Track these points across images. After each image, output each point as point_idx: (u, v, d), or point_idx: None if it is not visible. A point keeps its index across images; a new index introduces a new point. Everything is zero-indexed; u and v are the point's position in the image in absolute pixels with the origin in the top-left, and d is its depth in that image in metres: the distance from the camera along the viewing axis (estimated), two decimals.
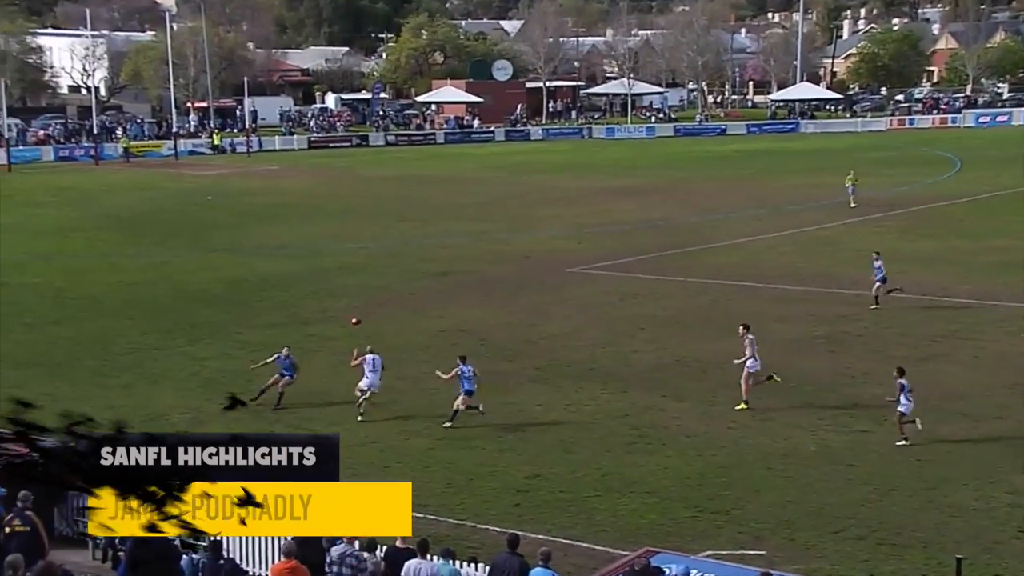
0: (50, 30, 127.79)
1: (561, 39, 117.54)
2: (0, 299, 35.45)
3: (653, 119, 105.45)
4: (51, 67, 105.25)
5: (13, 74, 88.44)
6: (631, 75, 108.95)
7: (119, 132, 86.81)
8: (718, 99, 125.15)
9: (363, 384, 24.72)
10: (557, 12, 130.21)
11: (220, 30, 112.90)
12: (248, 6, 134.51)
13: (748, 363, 24.08)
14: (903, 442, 21.60)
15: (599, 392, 25.64)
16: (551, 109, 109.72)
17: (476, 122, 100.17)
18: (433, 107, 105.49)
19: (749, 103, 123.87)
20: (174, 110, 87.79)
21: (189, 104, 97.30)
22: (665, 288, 36.10)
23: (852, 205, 49.81)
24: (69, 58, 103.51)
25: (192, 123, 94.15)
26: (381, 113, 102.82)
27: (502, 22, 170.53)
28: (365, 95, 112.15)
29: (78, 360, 28.47)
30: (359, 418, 24.14)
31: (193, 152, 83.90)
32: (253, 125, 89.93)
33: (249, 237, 47.16)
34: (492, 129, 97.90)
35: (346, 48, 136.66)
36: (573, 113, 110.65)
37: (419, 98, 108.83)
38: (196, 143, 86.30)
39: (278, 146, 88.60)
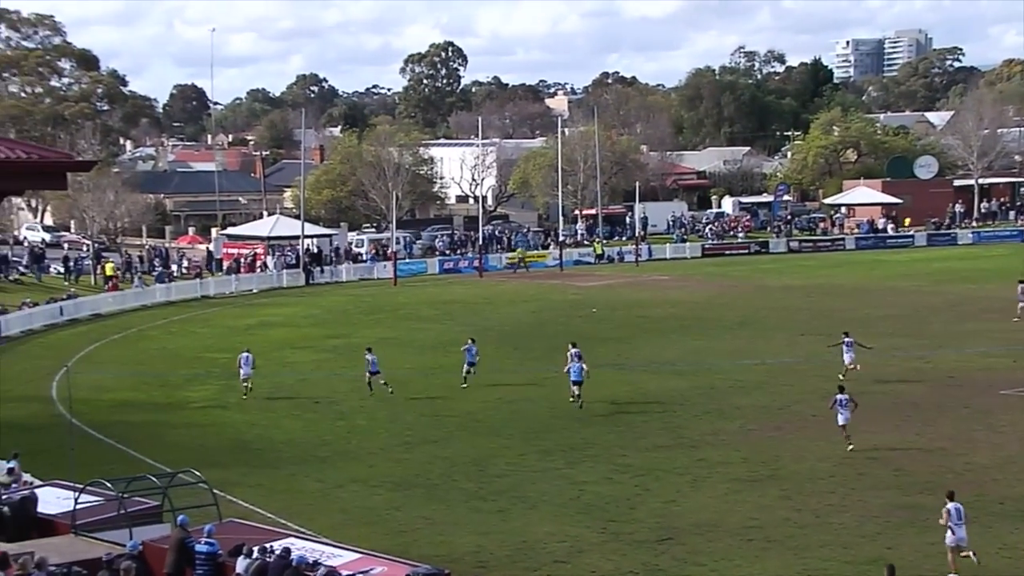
0: (442, 140, 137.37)
1: (999, 130, 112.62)
2: (380, 417, 37.76)
3: None
4: (441, 178, 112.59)
5: (405, 186, 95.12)
6: None
7: (505, 241, 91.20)
8: None
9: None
10: (997, 100, 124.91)
11: (613, 133, 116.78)
12: (644, 107, 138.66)
13: None
14: None
15: None
16: (983, 209, 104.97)
17: (891, 226, 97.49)
18: (843, 210, 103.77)
19: None
20: (561, 218, 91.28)
21: (577, 211, 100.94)
22: None
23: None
24: (459, 168, 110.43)
25: (579, 231, 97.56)
26: (784, 217, 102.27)
27: (928, 114, 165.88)
28: (766, 198, 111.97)
29: (454, 481, 29.72)
30: None
31: (579, 262, 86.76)
32: (642, 232, 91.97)
33: (635, 351, 47.89)
34: (911, 233, 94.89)
35: (747, 148, 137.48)
36: (1011, 213, 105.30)
37: (827, 200, 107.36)
38: (582, 252, 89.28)
39: (669, 254, 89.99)
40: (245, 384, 40.58)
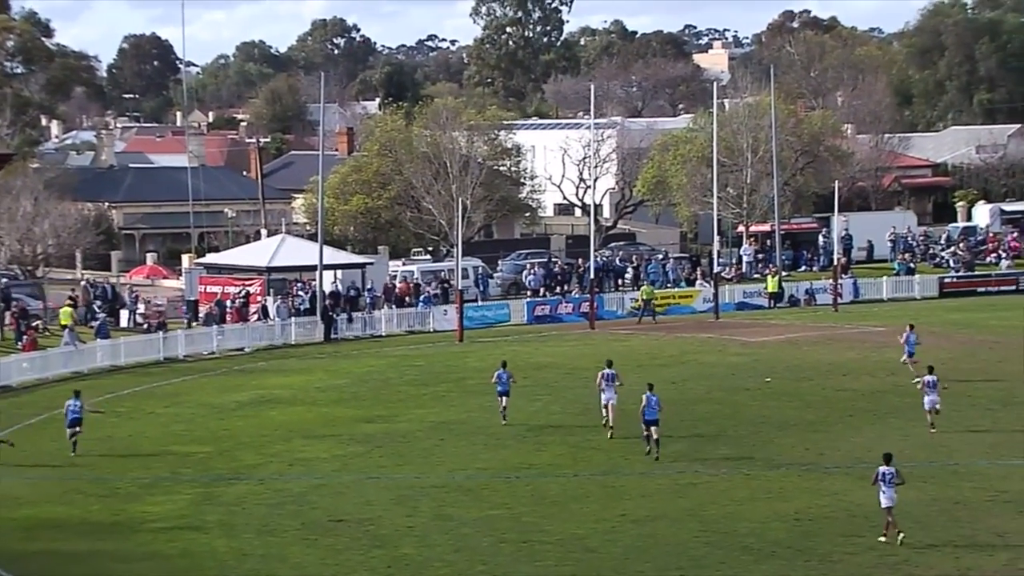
0: (534, 120, 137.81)
1: None
2: (438, 544, 37.90)
3: None
4: (532, 177, 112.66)
5: (477, 191, 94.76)
6: None
7: (631, 272, 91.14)
8: None
9: None
10: None
11: (799, 106, 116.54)
12: (849, 65, 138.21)
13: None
14: None
15: None
16: None
17: None
18: None
19: None
20: (716, 237, 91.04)
21: (741, 227, 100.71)
22: None
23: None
24: (560, 162, 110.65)
25: (746, 257, 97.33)
26: None
27: None
28: None
29: None
30: None
31: (744, 304, 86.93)
32: (844, 259, 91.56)
33: (834, 444, 47.83)
34: None
35: (1016, 126, 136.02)
36: None
37: None
38: (749, 290, 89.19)
39: (887, 293, 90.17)
40: None
